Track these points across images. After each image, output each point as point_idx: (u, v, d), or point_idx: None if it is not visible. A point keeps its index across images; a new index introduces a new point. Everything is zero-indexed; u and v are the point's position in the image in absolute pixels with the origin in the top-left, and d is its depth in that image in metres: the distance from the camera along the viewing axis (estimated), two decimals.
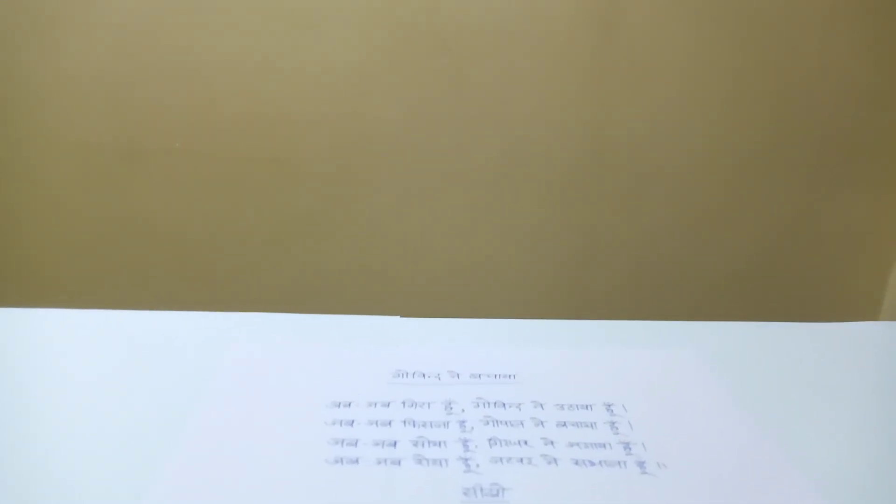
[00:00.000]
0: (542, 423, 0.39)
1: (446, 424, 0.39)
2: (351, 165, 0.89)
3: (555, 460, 0.36)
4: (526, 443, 0.38)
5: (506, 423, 0.39)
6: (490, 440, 0.38)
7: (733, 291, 0.94)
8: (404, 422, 0.39)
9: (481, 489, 0.34)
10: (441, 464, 0.36)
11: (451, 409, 0.40)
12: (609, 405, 0.41)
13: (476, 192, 0.90)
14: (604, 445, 0.38)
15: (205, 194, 0.89)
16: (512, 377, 0.44)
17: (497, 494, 0.34)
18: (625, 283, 0.94)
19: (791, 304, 0.95)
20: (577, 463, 0.36)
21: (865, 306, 0.95)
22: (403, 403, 0.41)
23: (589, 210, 0.91)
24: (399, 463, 0.36)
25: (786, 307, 0.95)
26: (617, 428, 0.39)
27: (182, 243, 0.91)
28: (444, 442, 0.38)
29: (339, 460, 0.36)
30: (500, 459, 0.36)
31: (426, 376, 0.43)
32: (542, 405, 0.41)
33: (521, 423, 0.39)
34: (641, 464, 0.36)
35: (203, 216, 0.90)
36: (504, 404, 0.41)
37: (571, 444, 0.38)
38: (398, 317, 0.49)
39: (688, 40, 0.85)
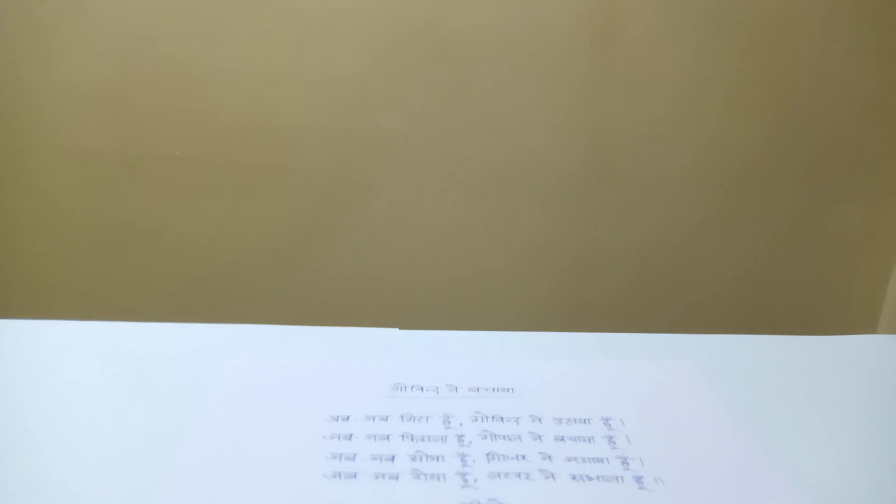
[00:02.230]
0: (539, 437, 0.39)
1: (444, 439, 0.39)
2: (351, 174, 0.89)
3: (552, 475, 0.36)
4: (524, 457, 0.38)
5: (504, 437, 0.39)
6: (488, 455, 0.38)
7: (732, 299, 0.94)
8: (402, 436, 0.39)
9: None
10: (439, 478, 0.36)
11: (450, 423, 0.40)
12: (607, 419, 0.41)
13: (475, 201, 0.90)
14: (601, 460, 0.38)
15: (204, 202, 0.89)
16: (510, 391, 0.44)
17: None
18: (624, 292, 0.94)
19: (789, 312, 0.95)
20: (574, 478, 0.36)
21: (864, 315, 0.95)
22: (402, 417, 0.41)
23: (588, 219, 0.91)
24: (397, 477, 0.36)
25: (784, 315, 0.95)
26: (615, 442, 0.39)
27: (181, 250, 0.91)
28: (442, 456, 0.38)
29: (337, 475, 0.36)
30: (498, 474, 0.36)
31: (424, 390, 0.43)
32: (539, 419, 0.41)
33: (519, 438, 0.39)
34: (639, 479, 0.36)
35: (202, 224, 0.90)
36: (502, 418, 0.41)
37: (569, 459, 0.38)
38: (397, 329, 0.49)
39: (686, 50, 0.85)
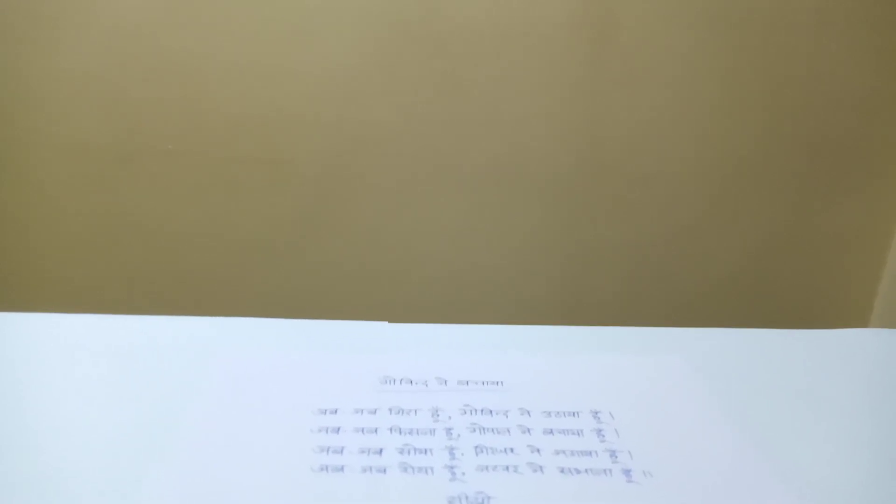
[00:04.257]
0: (528, 430, 0.39)
1: (433, 432, 0.39)
2: (345, 168, 0.89)
3: (541, 468, 0.36)
4: (512, 450, 0.38)
5: (492, 430, 0.39)
6: (476, 448, 0.38)
7: (726, 295, 0.94)
8: (391, 429, 0.39)
9: (466, 497, 0.34)
10: (427, 472, 0.36)
11: (438, 416, 0.40)
12: (596, 412, 0.41)
13: (469, 196, 0.90)
14: (590, 453, 0.38)
15: (198, 195, 0.89)
16: (499, 384, 0.43)
17: (482, 503, 0.34)
18: (617, 288, 0.94)
19: (781, 309, 0.95)
20: (562, 471, 0.36)
21: (856, 312, 0.95)
22: (390, 410, 0.41)
23: (582, 215, 0.91)
24: (384, 471, 0.36)
25: (776, 312, 0.95)
26: (603, 435, 0.39)
27: (174, 243, 0.91)
28: (430, 450, 0.37)
29: (325, 468, 0.36)
30: (486, 467, 0.36)
31: (413, 383, 0.43)
32: (528, 412, 0.41)
33: (508, 431, 0.39)
34: (627, 472, 0.36)
35: (195, 217, 0.90)
36: (491, 411, 0.41)
37: (557, 452, 0.38)
38: (386, 322, 0.49)
39: (681, 46, 0.85)
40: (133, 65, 0.84)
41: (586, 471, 0.36)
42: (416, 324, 0.49)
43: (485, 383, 0.43)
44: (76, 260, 0.91)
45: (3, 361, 0.45)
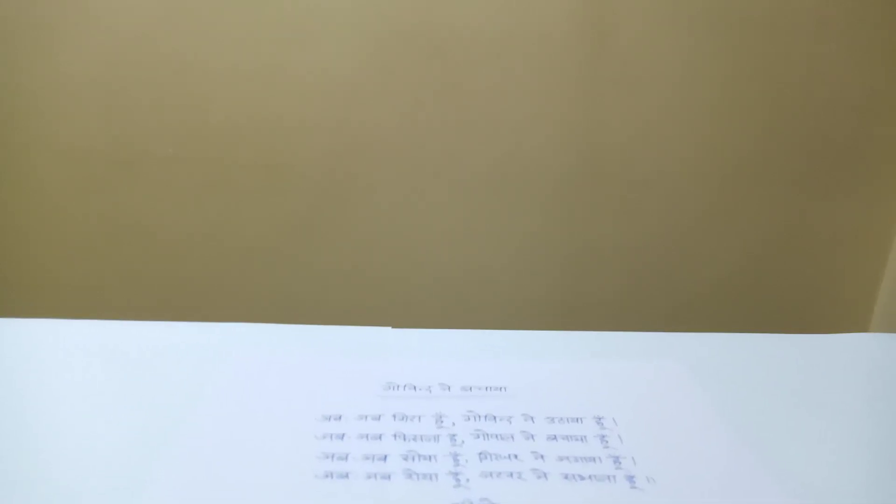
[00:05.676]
0: (532, 436, 0.39)
1: (437, 438, 0.39)
2: (345, 172, 0.89)
3: (545, 474, 0.36)
4: (516, 457, 0.38)
5: (496, 436, 0.39)
6: (480, 454, 0.38)
7: (725, 297, 0.95)
8: (395, 435, 0.39)
9: None
10: (431, 478, 0.36)
11: (442, 422, 0.40)
12: (599, 418, 0.41)
13: (469, 199, 0.90)
14: (594, 459, 0.38)
15: (197, 200, 0.89)
16: (503, 390, 0.44)
17: None
18: (617, 290, 0.94)
19: (782, 310, 0.95)
20: (566, 477, 0.36)
21: (857, 314, 0.95)
22: (394, 417, 0.41)
23: (582, 218, 0.91)
24: (389, 477, 0.36)
25: (777, 314, 0.95)
26: (607, 441, 0.39)
27: (174, 248, 0.91)
28: (435, 456, 0.38)
29: (329, 475, 0.36)
30: (490, 474, 0.36)
31: (417, 389, 0.43)
32: (532, 418, 0.41)
33: (512, 437, 0.39)
34: (631, 478, 0.36)
35: (196, 222, 0.90)
36: (494, 417, 0.41)
37: (561, 458, 0.38)
38: (389, 328, 0.49)
39: (681, 48, 0.85)
40: (133, 69, 0.84)
41: (590, 477, 0.36)
42: (420, 329, 0.49)
43: (488, 389, 0.44)
44: (76, 264, 0.91)
45: (8, 368, 0.45)
